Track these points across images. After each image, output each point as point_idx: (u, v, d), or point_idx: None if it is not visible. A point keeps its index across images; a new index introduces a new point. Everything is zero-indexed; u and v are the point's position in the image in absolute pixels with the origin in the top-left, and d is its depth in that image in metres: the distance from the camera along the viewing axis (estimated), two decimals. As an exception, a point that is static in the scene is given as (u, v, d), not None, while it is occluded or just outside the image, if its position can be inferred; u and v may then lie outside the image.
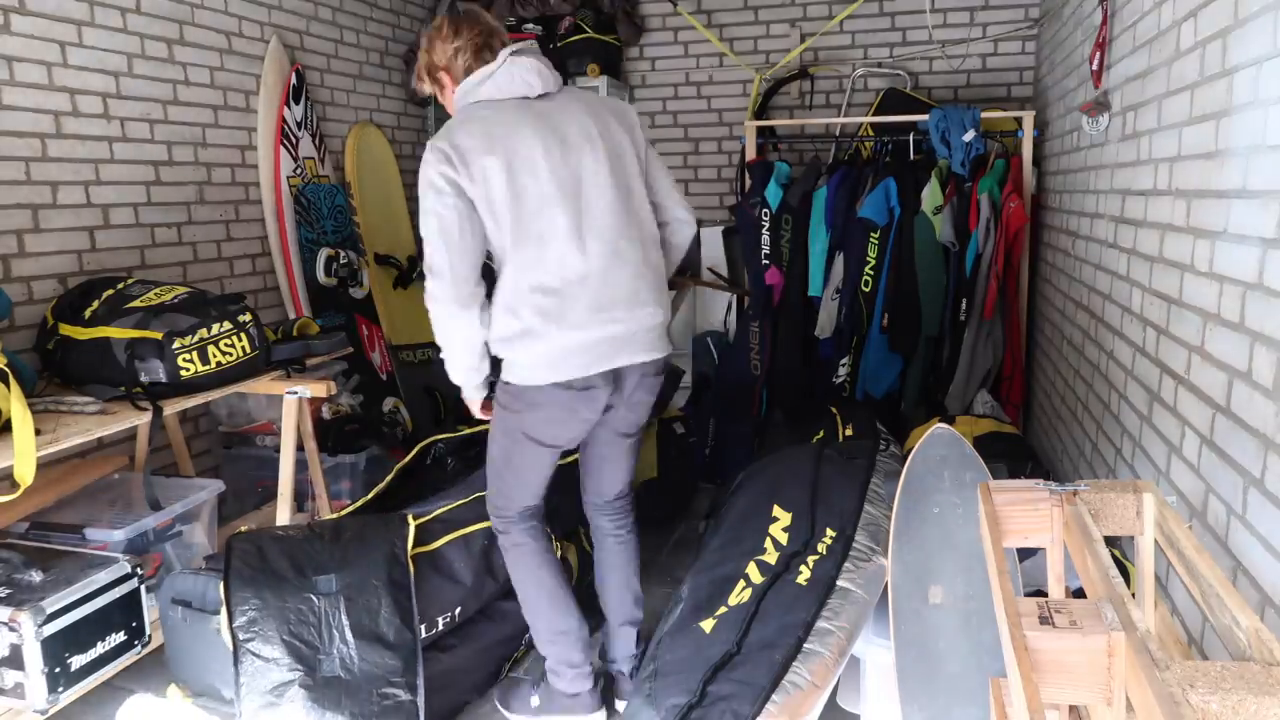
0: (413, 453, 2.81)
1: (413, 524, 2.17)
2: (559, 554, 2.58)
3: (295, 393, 2.54)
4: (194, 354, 2.24)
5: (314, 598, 1.97)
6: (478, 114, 1.94)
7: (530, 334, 1.87)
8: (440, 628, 2.14)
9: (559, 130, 1.90)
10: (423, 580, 2.12)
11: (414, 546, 2.13)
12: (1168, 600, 1.87)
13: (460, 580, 2.20)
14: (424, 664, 2.05)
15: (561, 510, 2.60)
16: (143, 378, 2.20)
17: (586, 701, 2.16)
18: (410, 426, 3.71)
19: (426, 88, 2.15)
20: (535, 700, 2.19)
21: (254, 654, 1.90)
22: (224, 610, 1.94)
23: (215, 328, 2.29)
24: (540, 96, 1.95)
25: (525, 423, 1.97)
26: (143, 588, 2.12)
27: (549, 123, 1.91)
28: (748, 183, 3.96)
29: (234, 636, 1.91)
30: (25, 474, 1.78)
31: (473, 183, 1.86)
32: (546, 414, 1.94)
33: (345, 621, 1.96)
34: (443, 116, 4.67)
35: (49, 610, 1.88)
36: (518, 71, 1.93)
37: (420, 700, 1.95)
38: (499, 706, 2.25)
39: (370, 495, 2.53)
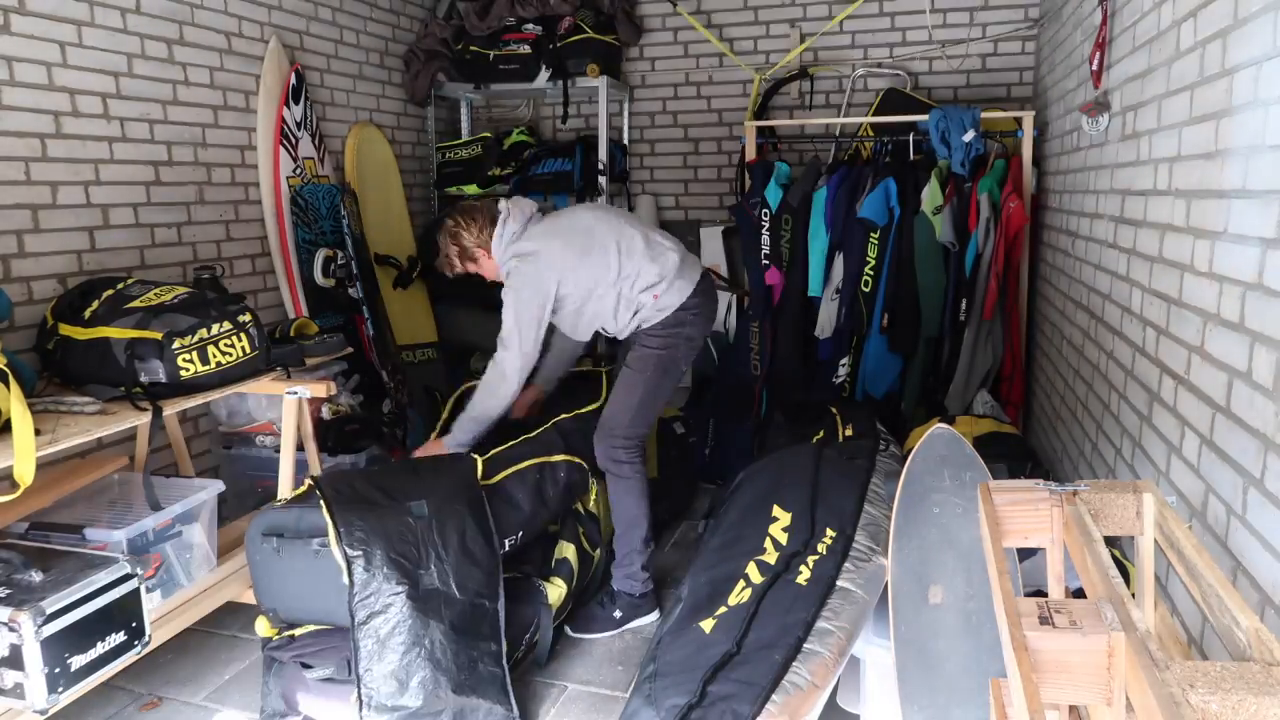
0: (450, 400, 3.00)
1: (479, 460, 2.41)
2: (560, 556, 2.60)
3: (295, 393, 2.54)
4: (194, 354, 2.24)
5: (410, 519, 2.14)
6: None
7: None
8: (507, 548, 2.36)
9: None
10: (490, 508, 2.32)
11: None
12: (1168, 600, 1.87)
13: (521, 507, 2.43)
14: None
15: (564, 511, 2.62)
16: (142, 378, 2.20)
17: (651, 600, 2.69)
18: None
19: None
20: (618, 613, 2.64)
21: (363, 569, 2.04)
22: (332, 530, 2.04)
23: (215, 328, 2.29)
24: None
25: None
26: (142, 588, 2.12)
27: None
28: (748, 183, 3.96)
29: (345, 554, 2.04)
30: (25, 474, 1.78)
31: None
32: None
33: (438, 540, 2.14)
34: (443, 118, 4.67)
35: (49, 610, 1.87)
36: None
37: (501, 608, 2.20)
38: (577, 634, 2.62)
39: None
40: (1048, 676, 0.92)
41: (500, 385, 2.57)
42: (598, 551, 2.80)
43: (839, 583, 2.05)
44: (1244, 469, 1.51)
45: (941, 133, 3.63)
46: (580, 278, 2.57)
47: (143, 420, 2.12)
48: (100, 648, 2.01)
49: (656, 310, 2.61)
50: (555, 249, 2.56)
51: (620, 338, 2.74)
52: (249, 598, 2.60)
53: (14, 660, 1.85)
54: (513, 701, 2.16)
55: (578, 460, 2.64)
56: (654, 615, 2.68)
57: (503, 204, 2.69)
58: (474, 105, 4.84)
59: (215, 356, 2.29)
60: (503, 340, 2.56)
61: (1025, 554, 1.94)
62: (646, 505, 2.65)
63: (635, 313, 2.62)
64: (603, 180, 4.31)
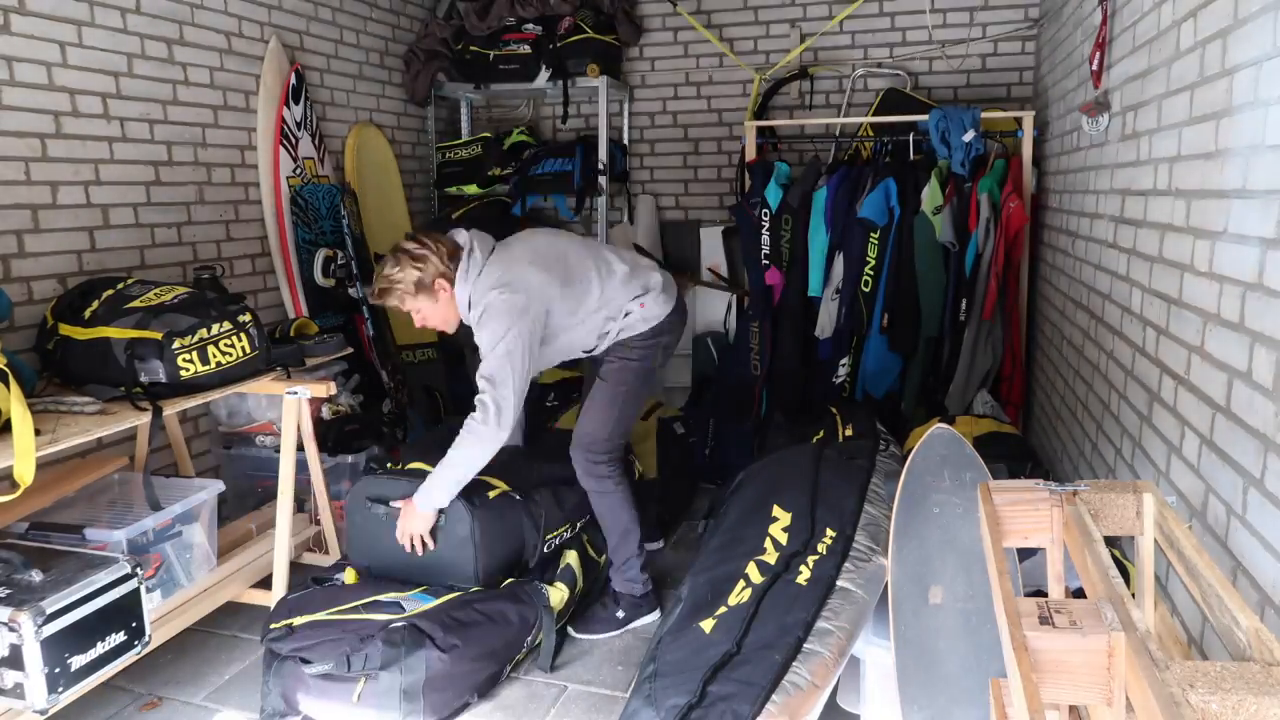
0: None
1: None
2: (563, 563, 2.60)
3: (295, 393, 2.54)
4: (194, 354, 2.24)
5: None
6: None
7: None
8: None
9: None
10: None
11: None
12: (1168, 600, 1.87)
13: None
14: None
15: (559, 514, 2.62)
16: (142, 378, 2.20)
17: (652, 599, 2.69)
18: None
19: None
20: (621, 613, 2.64)
21: None
22: None
23: (215, 328, 2.29)
24: None
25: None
26: (142, 588, 2.12)
27: None
28: (748, 183, 3.96)
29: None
30: (25, 474, 1.78)
31: None
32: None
33: None
34: (443, 118, 4.67)
35: (49, 610, 1.87)
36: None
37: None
38: (580, 635, 2.61)
39: None
40: (1048, 676, 0.92)
41: (495, 431, 2.30)
42: (603, 557, 2.79)
43: (839, 582, 2.05)
44: (1244, 469, 1.51)
45: (941, 133, 3.63)
46: (563, 308, 2.40)
47: (143, 420, 2.12)
48: (100, 648, 2.01)
49: (642, 320, 2.50)
50: (538, 278, 2.36)
51: (596, 354, 2.60)
52: (249, 598, 2.61)
53: (14, 660, 1.86)
54: None
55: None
56: (656, 614, 2.67)
57: (463, 235, 2.45)
58: (474, 105, 4.84)
59: (215, 356, 2.29)
60: (491, 380, 2.30)
61: (1025, 554, 1.94)
62: (634, 510, 2.60)
63: (620, 328, 2.49)
64: (603, 180, 4.31)
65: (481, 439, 2.31)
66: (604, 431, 2.53)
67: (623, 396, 2.54)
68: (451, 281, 2.38)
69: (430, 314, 2.45)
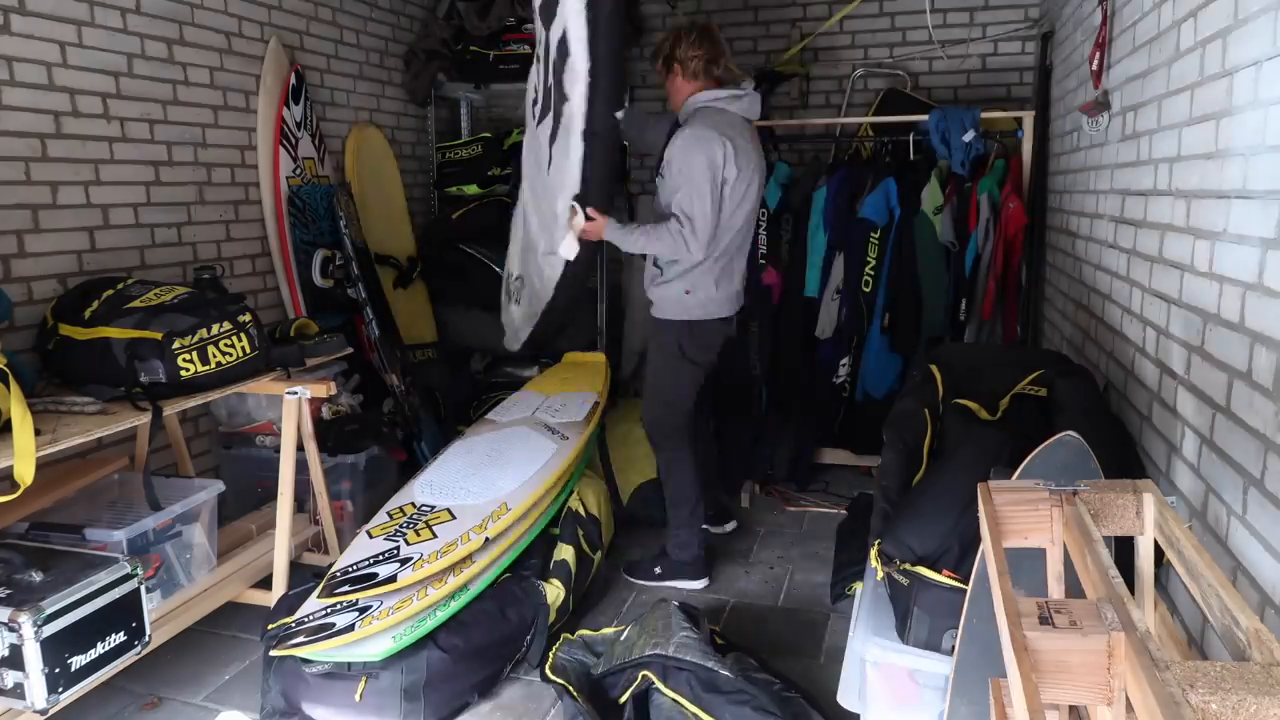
0: None
1: None
2: (559, 557, 2.60)
3: (295, 393, 2.54)
4: (194, 354, 2.24)
5: None
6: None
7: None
8: None
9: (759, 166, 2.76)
10: None
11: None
12: (1168, 600, 1.87)
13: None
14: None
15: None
16: (143, 378, 2.20)
17: (699, 567, 2.91)
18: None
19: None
20: (658, 569, 2.92)
21: None
22: None
23: (215, 328, 2.29)
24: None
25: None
26: (142, 588, 2.12)
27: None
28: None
29: None
30: (25, 474, 1.78)
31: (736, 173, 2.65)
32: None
33: None
34: (443, 118, 4.67)
35: (49, 610, 1.87)
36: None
37: None
38: (626, 576, 2.97)
39: None
40: (1048, 676, 0.92)
41: (683, 240, 2.62)
42: (598, 554, 2.79)
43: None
44: (1244, 469, 1.51)
45: (941, 133, 3.63)
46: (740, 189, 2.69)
47: (143, 420, 2.12)
48: (100, 648, 2.01)
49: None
50: (731, 145, 2.62)
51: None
52: (249, 598, 2.61)
53: (14, 660, 1.86)
54: None
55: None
56: (699, 583, 2.89)
57: (747, 83, 2.80)
58: (474, 105, 4.83)
59: (215, 356, 2.29)
60: (684, 198, 2.62)
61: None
62: (688, 483, 2.87)
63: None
64: (603, 180, 4.30)
65: (673, 242, 2.63)
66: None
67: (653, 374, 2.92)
68: (686, 75, 2.74)
69: (670, 88, 2.83)
